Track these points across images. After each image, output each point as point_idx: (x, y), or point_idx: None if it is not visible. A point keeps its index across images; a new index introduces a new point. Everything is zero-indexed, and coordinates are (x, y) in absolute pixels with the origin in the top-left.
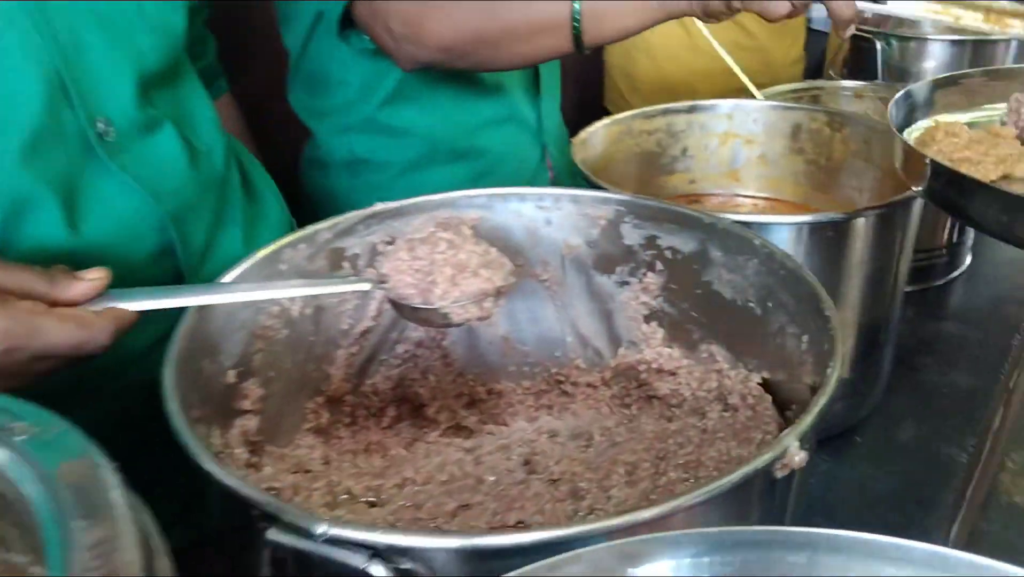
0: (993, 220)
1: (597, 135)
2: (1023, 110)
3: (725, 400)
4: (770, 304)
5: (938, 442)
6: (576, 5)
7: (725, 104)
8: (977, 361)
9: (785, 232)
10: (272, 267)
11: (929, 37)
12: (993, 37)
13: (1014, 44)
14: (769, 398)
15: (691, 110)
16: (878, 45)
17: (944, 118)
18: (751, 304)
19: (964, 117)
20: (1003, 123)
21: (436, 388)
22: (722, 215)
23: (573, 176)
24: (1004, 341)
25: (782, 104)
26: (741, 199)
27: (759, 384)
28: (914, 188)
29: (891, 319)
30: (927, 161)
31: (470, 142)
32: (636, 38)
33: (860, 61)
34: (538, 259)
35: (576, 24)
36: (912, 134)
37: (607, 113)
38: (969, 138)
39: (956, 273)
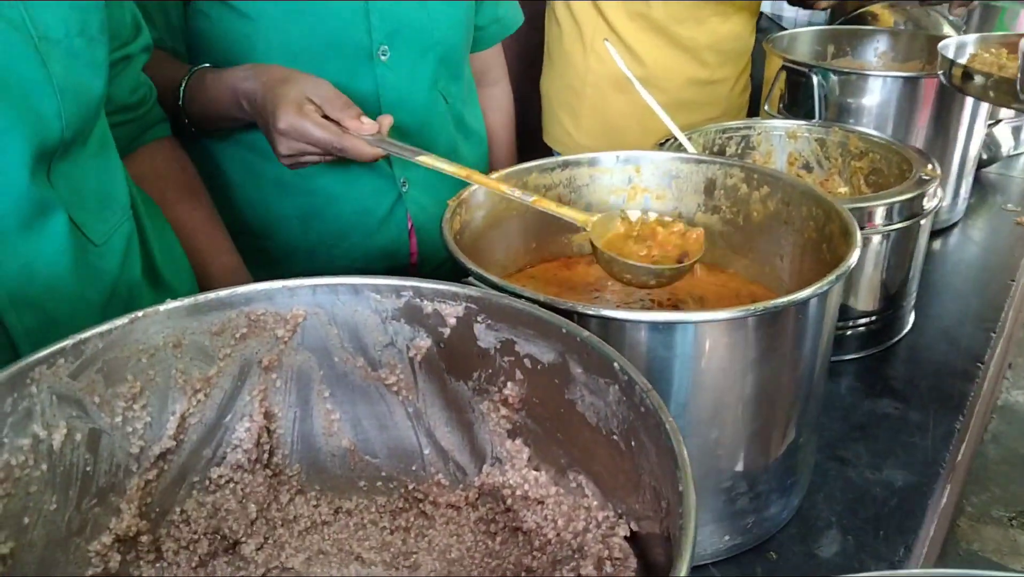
0: None
1: (482, 192)
2: None
3: (585, 553)
4: (633, 443)
5: (865, 558)
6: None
7: (631, 156)
8: (914, 452)
9: (676, 332)
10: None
11: (869, 72)
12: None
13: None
14: (634, 564)
15: (593, 163)
16: (815, 79)
17: None
18: (615, 437)
19: None
20: None
21: (257, 519)
22: (592, 313)
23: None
24: (947, 422)
25: (694, 157)
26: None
27: (626, 538)
28: None
29: (808, 415)
30: None
31: (297, 175)
32: (579, 66)
33: (796, 96)
34: (382, 360)
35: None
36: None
37: (549, 151)
38: None
39: (897, 338)
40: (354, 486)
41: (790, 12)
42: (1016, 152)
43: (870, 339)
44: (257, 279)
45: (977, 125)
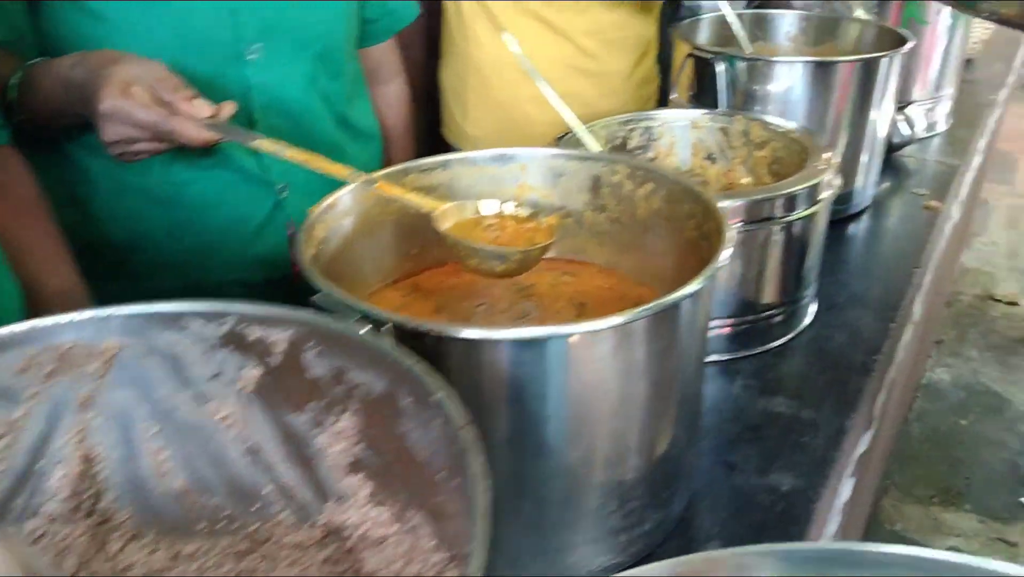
0: None
1: (349, 199)
2: None
3: None
4: (459, 481)
5: None
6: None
7: (514, 153)
8: (804, 452)
9: (533, 348)
10: None
11: (773, 59)
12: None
13: (859, 66)
14: None
15: (474, 161)
16: (719, 67)
17: None
18: (443, 474)
19: None
20: None
21: (79, 572)
22: (443, 333)
23: None
24: (839, 419)
25: (578, 154)
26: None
27: None
28: None
29: (684, 422)
30: None
31: (166, 184)
32: (463, 54)
33: (703, 84)
34: (210, 393)
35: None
36: None
37: (446, 146)
38: None
39: (796, 332)
40: (193, 529)
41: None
42: (930, 134)
43: (768, 334)
44: (122, 299)
45: (884, 108)
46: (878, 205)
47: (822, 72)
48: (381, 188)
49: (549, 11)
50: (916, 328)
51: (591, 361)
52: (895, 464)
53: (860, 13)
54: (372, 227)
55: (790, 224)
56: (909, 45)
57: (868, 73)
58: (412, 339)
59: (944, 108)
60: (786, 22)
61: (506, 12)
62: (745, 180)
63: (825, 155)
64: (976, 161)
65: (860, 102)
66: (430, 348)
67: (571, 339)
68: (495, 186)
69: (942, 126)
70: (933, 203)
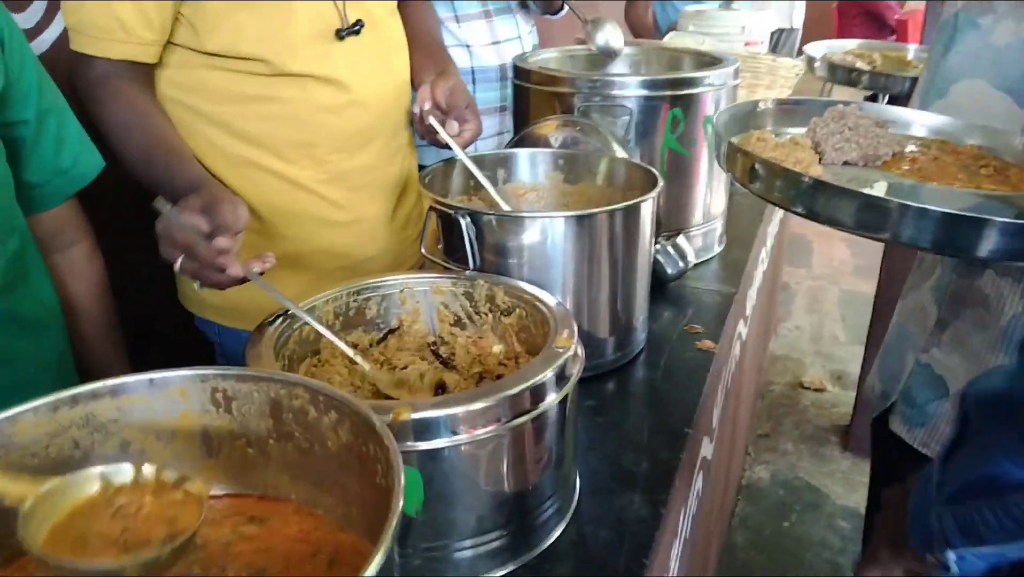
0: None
1: None
2: (818, 128)
3: None
4: None
5: None
6: None
7: (168, 378)
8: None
9: None
10: None
11: (518, 214)
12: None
13: (615, 214)
14: None
15: (116, 392)
16: (462, 222)
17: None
18: None
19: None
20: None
21: None
22: None
23: None
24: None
25: (250, 373)
26: (217, 501)
27: None
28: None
29: None
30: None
31: None
32: None
33: (451, 239)
34: None
35: None
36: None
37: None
38: (775, 144)
39: (543, 548)
40: None
41: None
42: (704, 259)
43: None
44: None
45: (642, 248)
46: (652, 346)
47: (575, 223)
48: None
49: (280, 164)
50: (721, 443)
51: None
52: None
53: (618, 150)
54: None
55: (541, 415)
56: (658, 188)
57: (626, 218)
58: None
59: (716, 230)
60: (540, 159)
61: (235, 168)
62: (496, 348)
63: (566, 332)
64: (763, 256)
65: (620, 247)
66: None
67: None
68: (149, 419)
69: (717, 248)
70: (707, 342)
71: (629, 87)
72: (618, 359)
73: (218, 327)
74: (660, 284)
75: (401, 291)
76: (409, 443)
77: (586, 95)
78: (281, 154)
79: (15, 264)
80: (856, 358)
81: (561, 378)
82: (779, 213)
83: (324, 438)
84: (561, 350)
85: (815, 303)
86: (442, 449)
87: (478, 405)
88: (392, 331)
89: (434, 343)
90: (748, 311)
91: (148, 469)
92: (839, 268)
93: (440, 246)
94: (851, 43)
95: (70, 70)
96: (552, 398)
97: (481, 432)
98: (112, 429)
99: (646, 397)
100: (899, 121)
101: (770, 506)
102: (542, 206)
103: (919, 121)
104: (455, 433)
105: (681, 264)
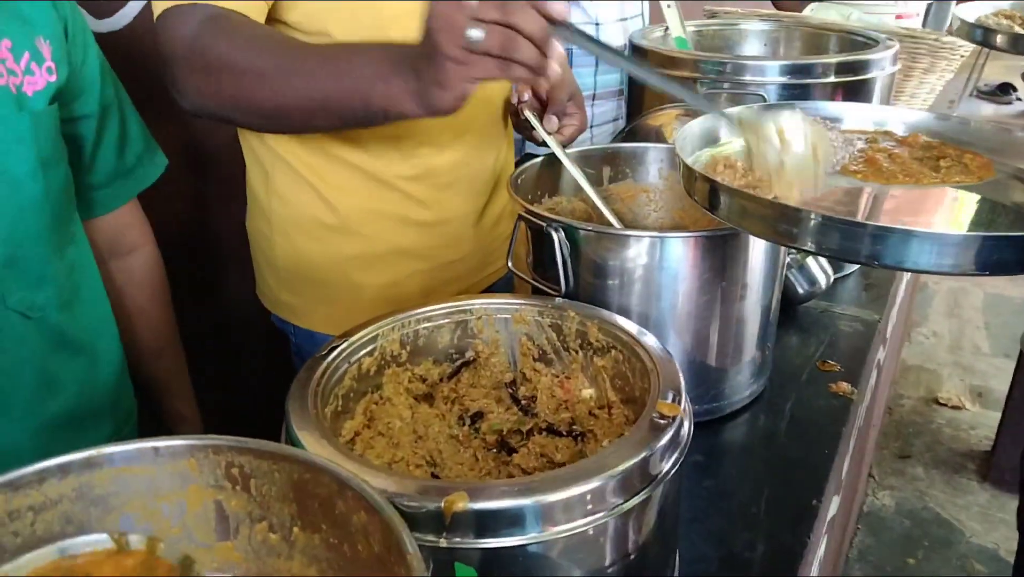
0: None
1: None
2: None
3: None
4: None
5: None
6: None
7: (174, 447)
8: None
9: None
10: None
11: (622, 232)
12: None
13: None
14: None
15: (113, 460)
16: (555, 237)
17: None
18: None
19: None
20: None
21: None
22: None
23: None
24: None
25: (273, 449)
26: None
27: None
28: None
29: None
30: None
31: None
32: (266, 209)
33: (542, 255)
34: None
35: None
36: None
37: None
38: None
39: None
40: None
41: None
42: (843, 273)
43: None
44: None
45: (771, 272)
46: (776, 387)
47: (693, 245)
48: None
49: (362, 158)
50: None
51: None
52: None
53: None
54: None
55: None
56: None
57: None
58: None
59: None
60: (654, 156)
61: (310, 161)
62: (587, 393)
63: (671, 396)
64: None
65: (747, 269)
66: None
67: None
68: (153, 491)
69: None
70: (843, 385)
71: (764, 72)
72: (735, 402)
73: (293, 326)
74: (787, 306)
75: (479, 318)
76: (466, 540)
77: (712, 81)
78: (364, 146)
79: (71, 277)
80: (1000, 373)
81: (662, 459)
82: None
83: (354, 540)
84: (663, 422)
85: (955, 307)
86: (506, 548)
87: (552, 496)
88: (467, 363)
89: (512, 381)
90: (888, 331)
91: (136, 539)
92: None
93: (530, 260)
94: (1003, 3)
95: (154, 41)
96: (641, 495)
97: (555, 530)
98: (113, 504)
99: (765, 454)
100: (835, 117)
101: (894, 539)
102: (653, 211)
103: (852, 115)
104: (523, 528)
105: (815, 284)
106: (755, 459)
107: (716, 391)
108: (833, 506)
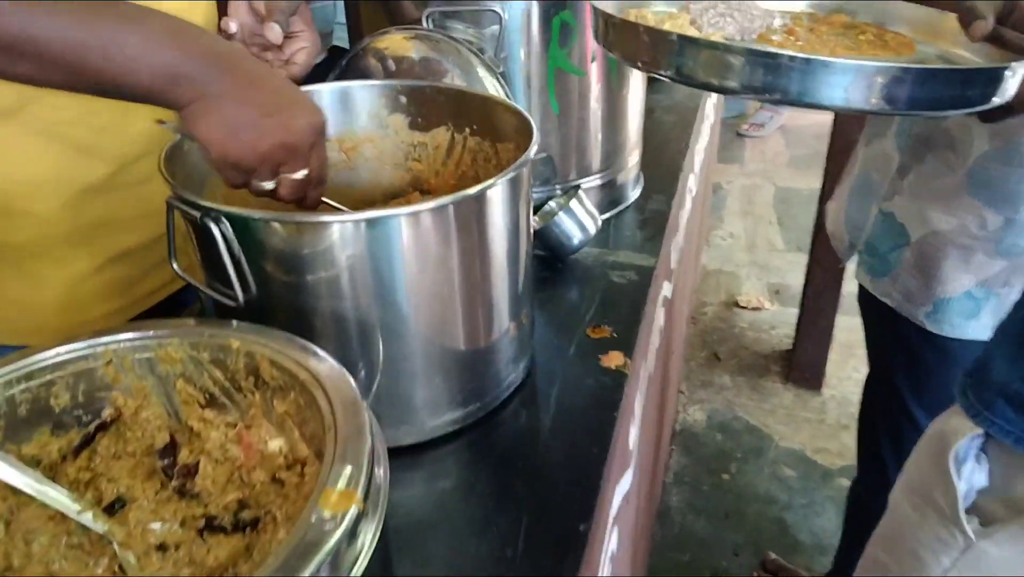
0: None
1: None
2: (692, 5)
3: None
4: None
5: None
6: None
7: None
8: None
9: None
10: None
11: (307, 219)
12: None
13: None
14: None
15: None
16: (212, 229)
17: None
18: None
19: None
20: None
21: None
22: None
23: None
24: None
25: None
26: None
27: None
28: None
29: None
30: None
31: None
32: None
33: (207, 252)
34: None
35: None
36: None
37: None
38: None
39: None
40: None
41: None
42: (615, 211)
43: None
44: None
45: (512, 241)
46: (539, 366)
47: (406, 223)
48: None
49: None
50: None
51: None
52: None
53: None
54: None
55: None
56: (534, 144)
57: (486, 202)
58: None
59: (629, 173)
60: (373, 96)
61: None
62: (274, 444)
63: (348, 470)
64: (688, 202)
65: (481, 240)
66: None
67: None
68: None
69: (631, 195)
70: (615, 356)
71: None
72: (489, 402)
73: None
74: (555, 260)
75: (108, 362)
76: None
77: None
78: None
79: None
80: (794, 267)
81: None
82: (708, 123)
83: None
84: (329, 525)
85: (749, 205)
86: None
87: None
88: (103, 426)
89: (170, 444)
90: (681, 231)
91: None
92: (773, 160)
93: (199, 260)
94: None
95: None
96: None
97: None
98: None
99: (525, 465)
100: None
101: (707, 456)
102: (381, 166)
103: None
104: None
105: (584, 231)
106: (514, 473)
107: (464, 395)
108: (621, 490)
